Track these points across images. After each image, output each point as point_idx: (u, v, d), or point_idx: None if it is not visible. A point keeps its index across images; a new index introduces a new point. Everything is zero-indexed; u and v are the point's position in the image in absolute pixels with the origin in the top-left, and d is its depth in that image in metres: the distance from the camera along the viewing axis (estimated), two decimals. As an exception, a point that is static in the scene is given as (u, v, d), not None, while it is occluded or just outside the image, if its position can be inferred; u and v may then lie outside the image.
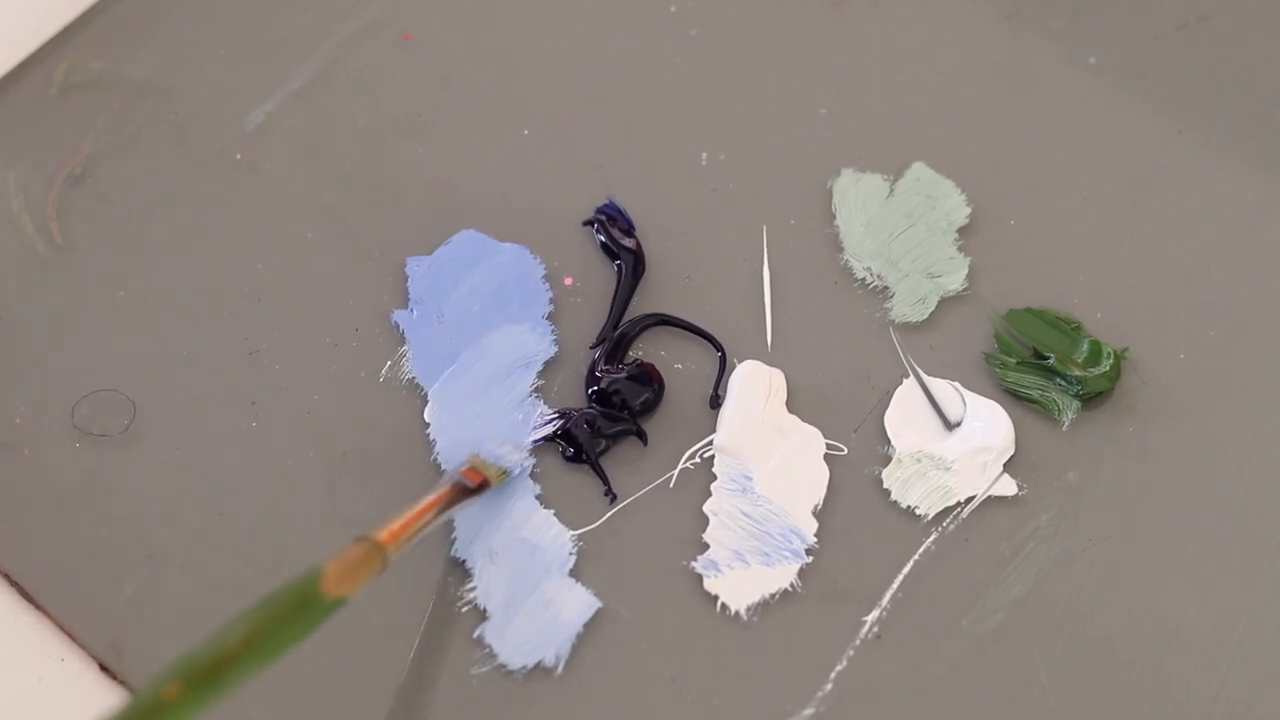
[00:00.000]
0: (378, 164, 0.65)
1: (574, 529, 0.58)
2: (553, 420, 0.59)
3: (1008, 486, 0.59)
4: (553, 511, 0.58)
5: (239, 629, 0.48)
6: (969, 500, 0.58)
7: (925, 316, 0.62)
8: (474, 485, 0.57)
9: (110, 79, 0.67)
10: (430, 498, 0.55)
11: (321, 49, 0.68)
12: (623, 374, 0.60)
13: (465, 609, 0.57)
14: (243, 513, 0.59)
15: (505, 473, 0.58)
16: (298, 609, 0.50)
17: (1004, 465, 0.59)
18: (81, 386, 0.60)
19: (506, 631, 0.56)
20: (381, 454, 0.59)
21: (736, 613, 0.57)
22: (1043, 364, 0.60)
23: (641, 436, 0.59)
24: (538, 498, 0.58)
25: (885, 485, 0.59)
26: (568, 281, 0.63)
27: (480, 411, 0.60)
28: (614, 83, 0.67)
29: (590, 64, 0.68)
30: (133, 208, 0.64)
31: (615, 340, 0.61)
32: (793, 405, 0.60)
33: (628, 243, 0.63)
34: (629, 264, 0.63)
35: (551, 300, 0.62)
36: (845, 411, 0.60)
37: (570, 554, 0.57)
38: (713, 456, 0.59)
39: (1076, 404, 0.60)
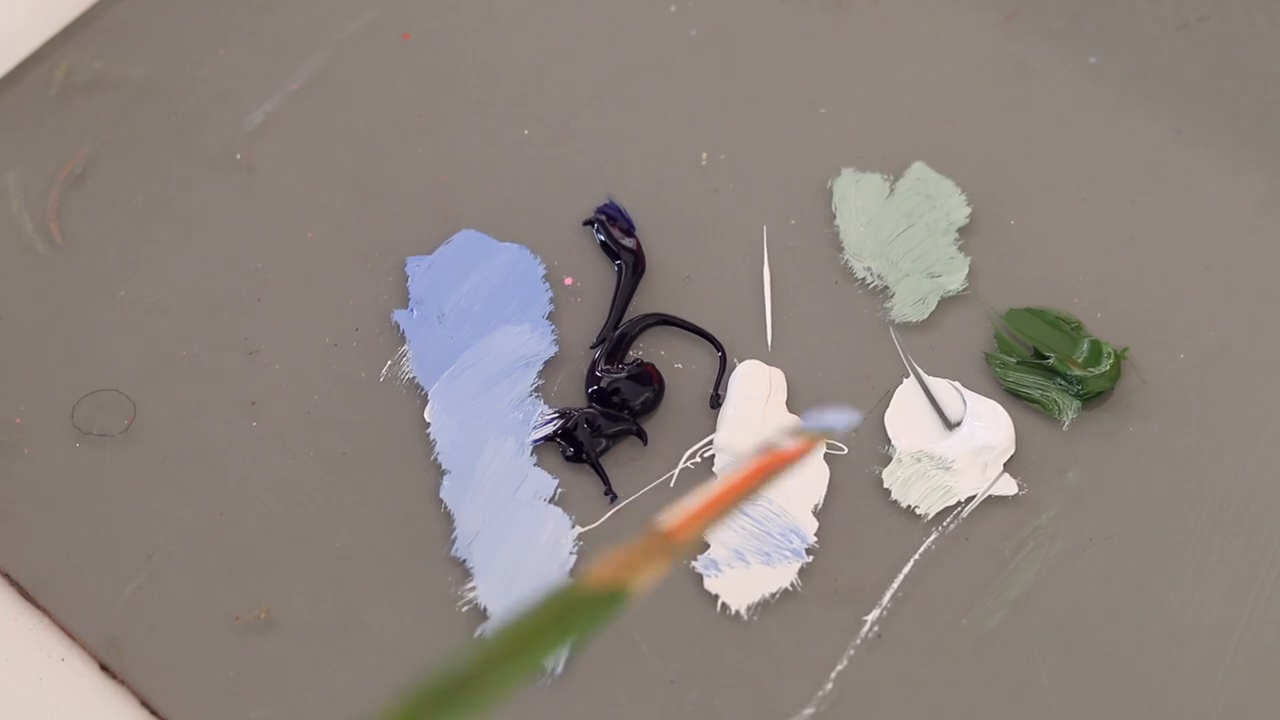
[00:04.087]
0: (378, 164, 0.65)
1: (574, 528, 0.58)
2: (553, 420, 0.59)
3: (1008, 486, 0.59)
4: (555, 510, 0.58)
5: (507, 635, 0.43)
6: (969, 500, 0.58)
7: (925, 316, 0.62)
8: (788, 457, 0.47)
9: (110, 79, 0.67)
10: (736, 478, 0.46)
11: (321, 49, 0.68)
12: (623, 374, 0.60)
13: (465, 609, 0.57)
14: (243, 513, 0.59)
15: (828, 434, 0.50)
16: (563, 612, 0.43)
17: (1004, 465, 0.59)
18: (81, 386, 0.60)
19: (507, 631, 0.56)
20: (381, 454, 0.59)
21: (737, 612, 0.57)
22: (1043, 364, 0.60)
23: (642, 436, 0.59)
24: (540, 497, 0.58)
25: (885, 485, 0.59)
26: (568, 281, 0.63)
27: (480, 411, 0.60)
28: (614, 83, 0.67)
29: (590, 64, 0.68)
30: (133, 208, 0.64)
31: (615, 340, 0.61)
32: (793, 405, 0.60)
33: (628, 242, 0.63)
34: (629, 264, 0.63)
35: (551, 300, 0.62)
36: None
37: (571, 553, 0.57)
38: (713, 456, 0.59)
39: (1077, 404, 0.60)
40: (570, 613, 0.43)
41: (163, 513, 0.58)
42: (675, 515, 0.44)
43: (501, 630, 0.42)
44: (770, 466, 0.46)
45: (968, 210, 0.64)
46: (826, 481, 0.59)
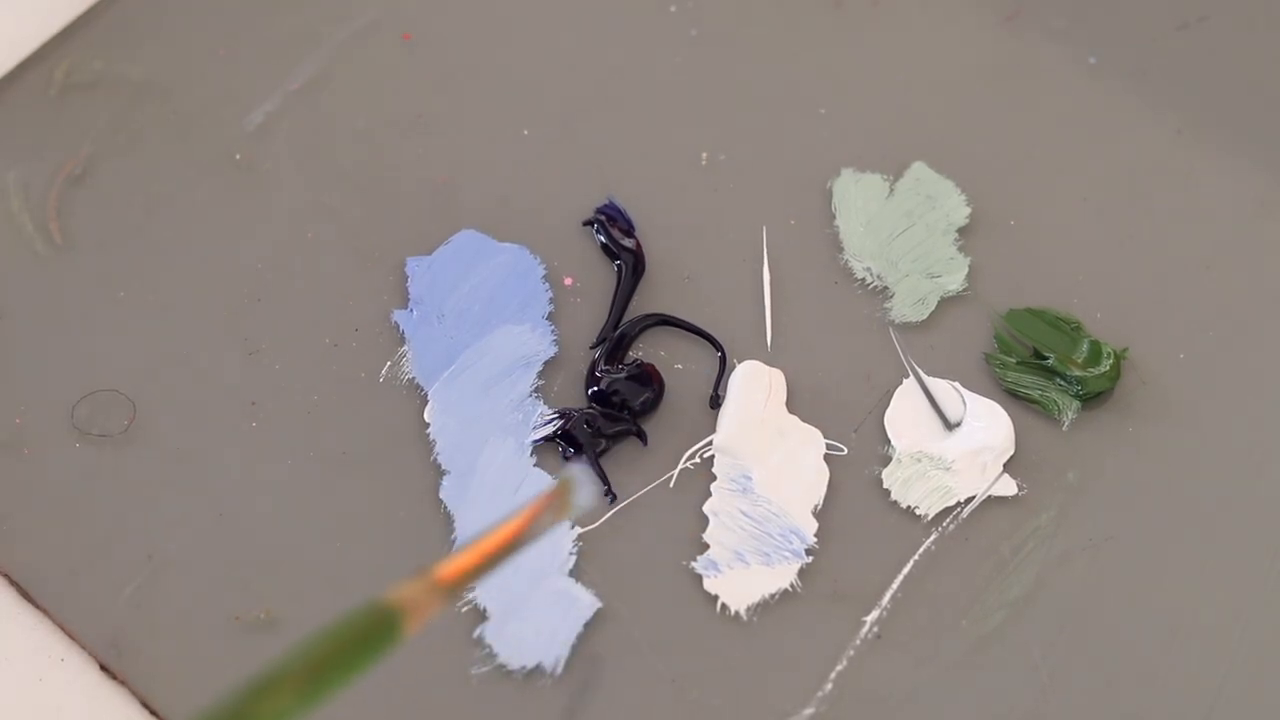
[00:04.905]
0: (378, 164, 0.65)
1: (574, 529, 0.58)
2: (553, 420, 0.59)
3: (1008, 486, 0.59)
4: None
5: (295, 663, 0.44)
6: (969, 500, 0.58)
7: (925, 316, 0.62)
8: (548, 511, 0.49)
9: (110, 79, 0.67)
10: (504, 530, 0.48)
11: (321, 49, 0.68)
12: (623, 374, 0.60)
13: (465, 609, 0.57)
14: (243, 513, 0.59)
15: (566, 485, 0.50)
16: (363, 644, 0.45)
17: (1004, 465, 0.59)
18: (81, 386, 0.60)
19: (506, 631, 0.56)
20: (381, 454, 0.59)
21: (736, 613, 0.57)
22: (1043, 364, 0.60)
23: (641, 437, 0.59)
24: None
25: (885, 485, 0.59)
26: (568, 281, 0.63)
27: (480, 412, 0.60)
28: (614, 83, 0.67)
29: (590, 64, 0.68)
30: (133, 208, 0.64)
31: (615, 340, 0.61)
32: (793, 405, 0.60)
33: (628, 243, 0.63)
34: (629, 264, 0.63)
35: (551, 300, 0.62)
36: (845, 411, 0.60)
37: (570, 554, 0.57)
38: (713, 456, 0.59)
39: (1076, 404, 0.60)
40: (348, 647, 0.45)
41: (163, 513, 0.58)
42: (449, 563, 0.46)
43: (282, 664, 0.43)
44: (537, 514, 0.48)
45: (968, 210, 0.64)
46: (826, 482, 0.59)
